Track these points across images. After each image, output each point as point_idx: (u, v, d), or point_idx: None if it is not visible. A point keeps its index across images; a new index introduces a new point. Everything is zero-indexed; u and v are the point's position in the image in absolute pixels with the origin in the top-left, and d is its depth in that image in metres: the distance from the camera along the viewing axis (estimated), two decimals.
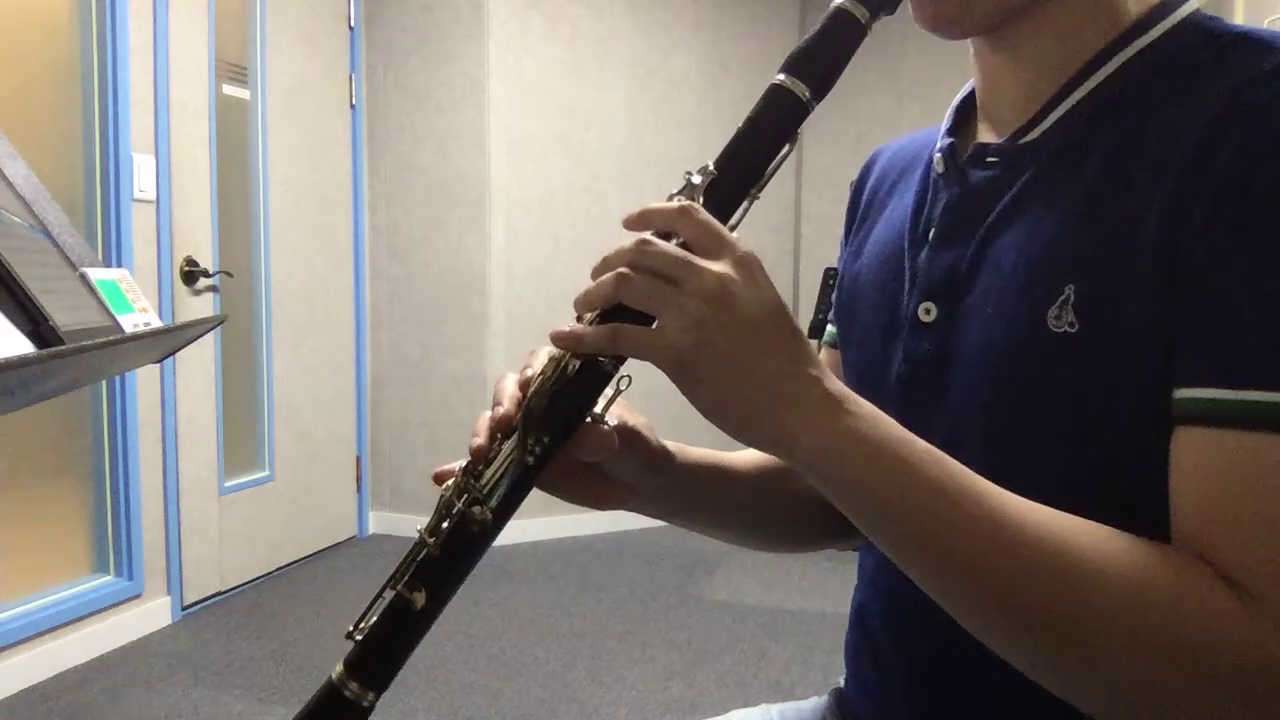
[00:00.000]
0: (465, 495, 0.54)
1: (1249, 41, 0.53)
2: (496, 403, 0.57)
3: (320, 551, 3.54)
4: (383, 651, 0.54)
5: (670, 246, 0.50)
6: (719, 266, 0.49)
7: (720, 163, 0.55)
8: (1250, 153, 0.48)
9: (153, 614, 2.78)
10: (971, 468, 0.51)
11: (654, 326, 0.50)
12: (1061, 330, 0.53)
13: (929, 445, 0.51)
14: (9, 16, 2.36)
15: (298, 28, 3.35)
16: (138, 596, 2.73)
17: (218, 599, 3.02)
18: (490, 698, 2.36)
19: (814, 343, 0.79)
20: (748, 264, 0.50)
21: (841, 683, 0.79)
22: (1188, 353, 0.49)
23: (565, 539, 3.62)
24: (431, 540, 0.53)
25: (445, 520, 0.54)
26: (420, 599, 0.53)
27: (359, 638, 0.54)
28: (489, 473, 0.54)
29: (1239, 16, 2.90)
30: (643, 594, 3.13)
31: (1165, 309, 0.49)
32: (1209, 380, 0.48)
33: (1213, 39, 0.55)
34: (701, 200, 0.53)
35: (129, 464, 2.67)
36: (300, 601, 3.05)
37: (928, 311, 0.62)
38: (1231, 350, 0.47)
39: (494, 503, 0.53)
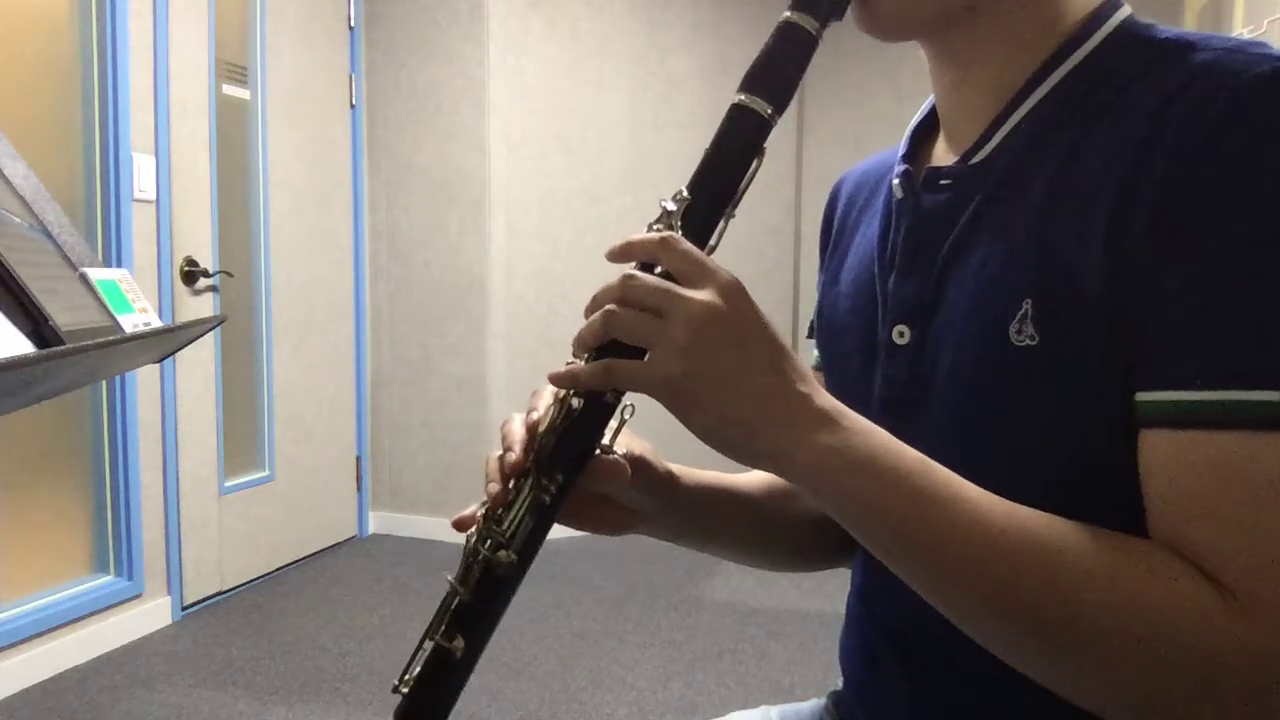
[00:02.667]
0: (489, 541, 0.55)
1: (1176, 45, 0.54)
2: (507, 448, 0.58)
3: (320, 551, 3.54)
4: (430, 700, 0.56)
5: (654, 279, 0.52)
6: (703, 295, 0.50)
7: (693, 187, 0.56)
8: (1181, 155, 0.49)
9: (153, 614, 2.78)
10: None
11: (645, 359, 0.51)
12: (1024, 344, 0.54)
13: (920, 455, 0.52)
14: (9, 16, 2.36)
15: (298, 28, 3.35)
16: (138, 596, 2.73)
17: (218, 599, 3.02)
18: (490, 698, 2.36)
19: (810, 342, 0.80)
20: (731, 290, 0.51)
21: (839, 685, 0.79)
22: (1144, 356, 0.50)
23: (565, 539, 3.62)
24: (463, 589, 0.56)
25: (473, 567, 0.56)
26: (459, 647, 0.55)
27: (405, 690, 0.56)
28: (509, 517, 0.56)
29: (1238, 16, 2.91)
30: (643, 594, 3.13)
31: (1119, 315, 0.50)
32: (1167, 383, 0.49)
33: (1144, 46, 0.56)
34: (679, 226, 0.55)
35: (129, 464, 2.68)
36: (300, 601, 3.05)
37: (901, 335, 0.63)
38: (1186, 352, 0.48)
39: (517, 545, 0.55)
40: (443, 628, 0.56)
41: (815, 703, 0.82)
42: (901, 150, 0.70)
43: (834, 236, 0.79)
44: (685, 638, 2.77)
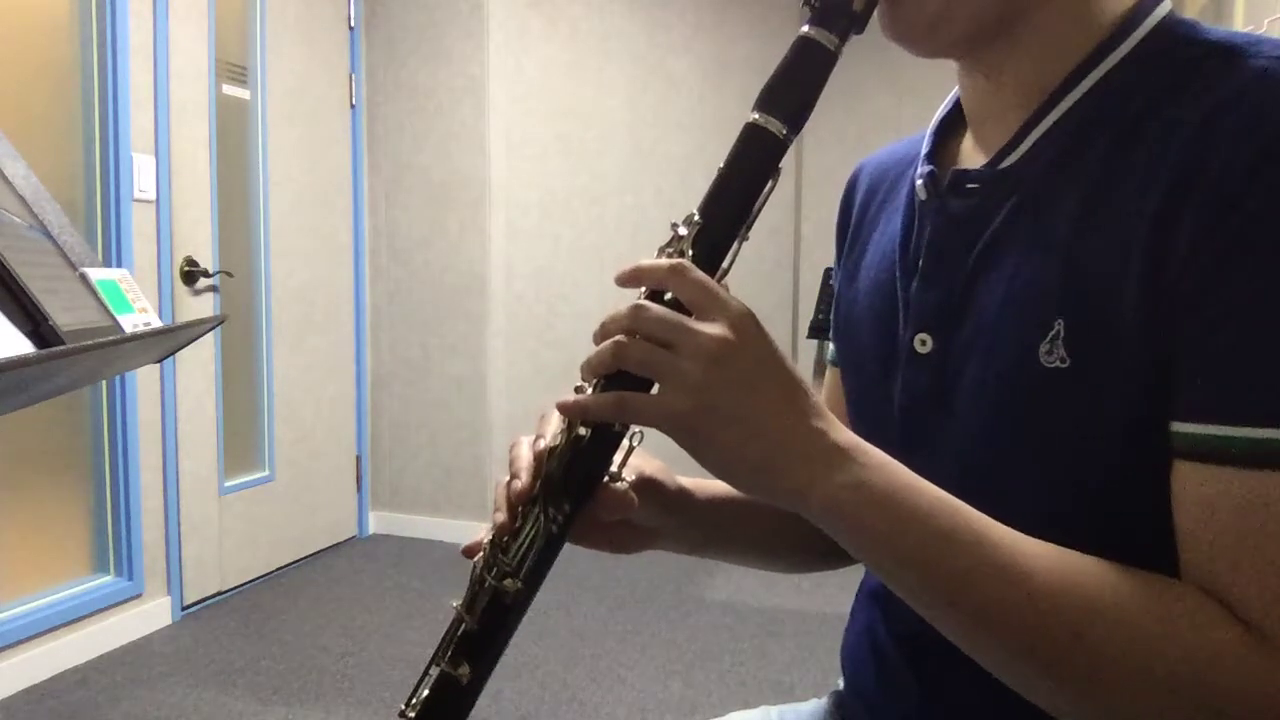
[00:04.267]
0: (495, 569, 0.55)
1: (1224, 49, 0.52)
2: (514, 475, 0.58)
3: (320, 551, 3.54)
4: None
5: (665, 311, 0.50)
6: (715, 328, 0.49)
7: (705, 210, 0.54)
8: (1232, 174, 0.46)
9: (153, 614, 2.78)
10: (973, 497, 0.51)
11: (656, 392, 0.50)
12: (1054, 366, 0.52)
13: (940, 492, 0.51)
14: (9, 16, 2.36)
15: (298, 28, 3.35)
16: (138, 596, 2.73)
17: (218, 599, 3.02)
18: (490, 698, 2.36)
19: (815, 343, 0.79)
20: (743, 322, 0.50)
21: (840, 685, 0.79)
22: (1184, 386, 0.48)
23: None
24: (469, 616, 0.55)
25: (479, 595, 0.56)
26: (465, 673, 0.55)
27: (411, 715, 0.56)
28: (515, 545, 0.56)
29: (1238, 16, 2.90)
30: (643, 594, 3.13)
31: (1157, 341, 0.49)
32: (1207, 416, 0.47)
33: (1187, 48, 0.54)
34: (691, 251, 0.53)
35: (129, 464, 2.67)
36: (300, 601, 3.05)
37: (924, 343, 0.61)
38: (1227, 385, 0.46)
39: (524, 574, 0.55)
40: (449, 654, 0.56)
41: (816, 703, 0.81)
42: (925, 148, 0.67)
43: (852, 230, 0.76)
44: (685, 638, 2.77)
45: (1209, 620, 0.46)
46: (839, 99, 4.14)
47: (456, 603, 0.56)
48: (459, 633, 0.56)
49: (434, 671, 0.56)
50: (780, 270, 4.29)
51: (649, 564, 3.38)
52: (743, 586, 3.19)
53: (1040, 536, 0.50)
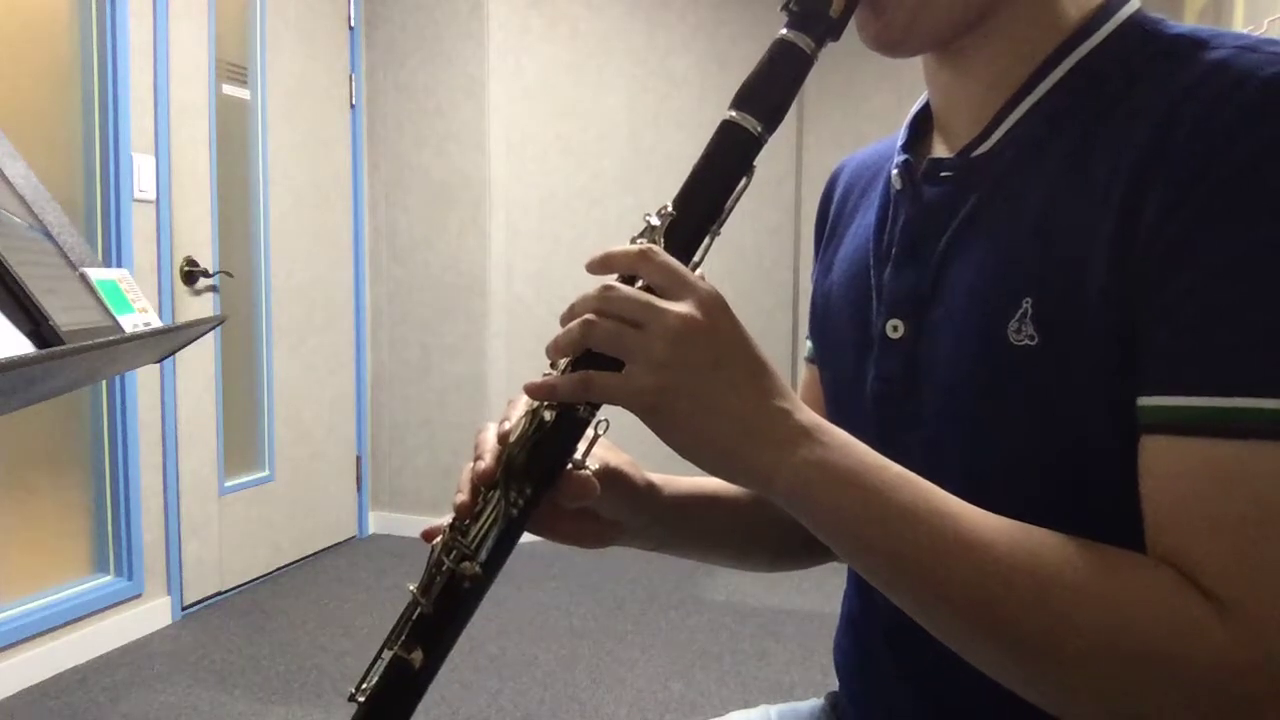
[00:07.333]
0: (453, 552, 0.55)
1: (1188, 41, 0.53)
2: (477, 457, 0.58)
3: (320, 551, 3.54)
4: (386, 712, 0.55)
5: (633, 291, 0.51)
6: (681, 307, 0.50)
7: (678, 202, 0.55)
8: (1194, 158, 0.48)
9: (153, 614, 2.78)
10: (950, 480, 0.51)
11: (623, 371, 0.51)
12: (1022, 344, 0.53)
13: (902, 470, 0.51)
14: (9, 16, 2.36)
15: (298, 28, 3.35)
16: (138, 596, 2.73)
17: (218, 599, 3.02)
18: (490, 698, 2.36)
19: (806, 345, 0.80)
20: (710, 303, 0.51)
21: (838, 685, 0.79)
22: (1148, 360, 0.49)
23: None
24: (424, 599, 0.55)
25: (436, 578, 0.55)
26: (418, 658, 0.54)
27: (361, 699, 0.55)
28: (475, 528, 0.55)
29: (1239, 16, 2.90)
30: (643, 594, 3.13)
31: (1123, 317, 0.49)
32: (1170, 388, 0.48)
33: (1154, 40, 0.55)
34: (662, 241, 0.54)
35: (129, 464, 2.68)
36: (300, 601, 3.05)
37: (895, 329, 0.62)
38: (1190, 357, 0.47)
39: (483, 557, 0.55)
40: (402, 638, 0.55)
41: (814, 702, 0.82)
42: (901, 140, 0.68)
43: (830, 225, 0.78)
44: (685, 638, 2.77)
45: (1174, 593, 0.46)
46: (839, 99, 4.14)
47: (413, 585, 0.56)
48: (414, 616, 0.55)
49: (386, 655, 0.55)
50: (780, 270, 4.29)
51: (649, 564, 3.38)
52: (742, 587, 3.19)
53: (1012, 515, 0.50)
